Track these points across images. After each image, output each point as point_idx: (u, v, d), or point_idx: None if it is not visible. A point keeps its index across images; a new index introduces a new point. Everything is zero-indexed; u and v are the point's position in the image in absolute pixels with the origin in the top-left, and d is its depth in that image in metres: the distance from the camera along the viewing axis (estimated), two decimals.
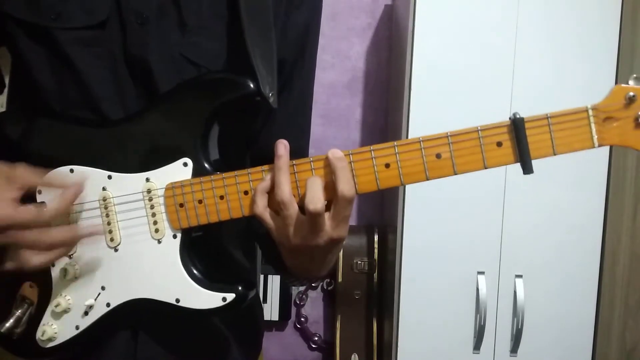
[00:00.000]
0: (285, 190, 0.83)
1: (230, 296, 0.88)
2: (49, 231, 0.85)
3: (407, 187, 2.15)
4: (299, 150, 1.06)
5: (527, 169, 0.80)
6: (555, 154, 0.79)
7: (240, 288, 0.89)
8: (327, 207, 0.84)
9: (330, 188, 0.83)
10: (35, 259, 0.85)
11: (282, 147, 0.85)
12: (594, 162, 2.13)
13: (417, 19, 2.13)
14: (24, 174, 0.87)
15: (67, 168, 0.92)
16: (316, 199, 0.81)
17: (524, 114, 0.80)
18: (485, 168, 0.82)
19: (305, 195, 0.82)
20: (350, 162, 0.84)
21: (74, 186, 0.88)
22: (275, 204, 0.85)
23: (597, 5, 2.10)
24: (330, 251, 0.89)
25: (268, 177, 0.86)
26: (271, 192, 0.85)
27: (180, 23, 0.94)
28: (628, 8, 2.09)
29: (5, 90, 1.04)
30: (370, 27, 2.85)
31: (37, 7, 0.91)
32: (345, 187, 0.82)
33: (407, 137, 2.14)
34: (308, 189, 0.82)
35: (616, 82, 2.00)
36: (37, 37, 0.92)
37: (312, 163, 0.85)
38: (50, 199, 0.90)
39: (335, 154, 0.83)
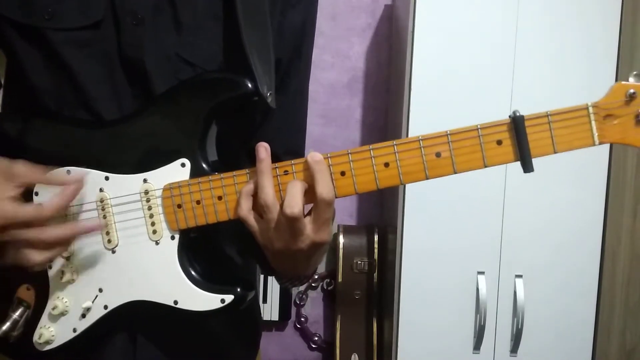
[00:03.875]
0: (269, 194, 0.83)
1: (229, 297, 0.88)
2: (49, 229, 0.85)
3: (407, 187, 2.15)
4: (295, 149, 1.06)
5: (528, 168, 0.79)
6: (555, 152, 0.79)
7: (239, 289, 0.89)
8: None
9: (312, 192, 0.83)
10: (34, 257, 0.84)
11: (263, 150, 0.84)
12: (594, 162, 2.13)
13: (417, 19, 2.13)
14: (24, 171, 0.87)
15: (64, 169, 0.91)
16: (293, 203, 0.81)
17: (524, 113, 0.80)
18: (485, 167, 0.81)
19: (284, 200, 0.82)
20: (349, 162, 0.83)
21: (73, 184, 0.88)
22: (259, 207, 0.85)
23: (597, 5, 2.10)
24: (314, 255, 0.89)
25: (252, 180, 0.85)
26: (255, 195, 0.85)
27: (176, 23, 0.93)
28: (628, 8, 2.09)
29: (1, 92, 1.04)
30: (370, 27, 2.84)
31: (31, 8, 0.90)
32: (324, 190, 0.82)
33: (407, 137, 2.14)
34: (287, 193, 0.82)
35: (616, 82, 2.00)
36: (31, 38, 0.91)
37: (293, 166, 0.85)
38: (48, 199, 0.89)
39: (314, 157, 0.83)
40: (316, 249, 0.86)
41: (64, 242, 0.88)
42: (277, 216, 0.83)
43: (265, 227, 0.85)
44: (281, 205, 0.83)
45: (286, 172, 0.85)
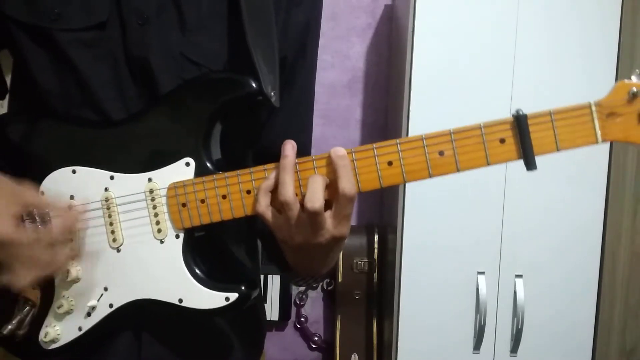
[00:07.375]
0: (289, 190, 0.83)
1: (234, 296, 0.88)
2: (43, 249, 0.85)
3: (407, 186, 2.16)
4: (301, 148, 1.06)
5: (531, 166, 0.80)
6: (558, 150, 0.79)
7: (243, 288, 0.89)
8: (330, 206, 0.84)
9: (333, 186, 0.83)
10: (27, 274, 0.84)
11: (290, 147, 0.85)
12: (594, 162, 2.13)
13: (417, 19, 2.13)
14: (29, 193, 0.87)
15: (69, 168, 0.92)
16: (315, 198, 0.81)
17: (524, 112, 0.80)
18: (489, 165, 0.81)
19: (305, 194, 0.82)
20: (352, 160, 0.84)
21: (77, 212, 0.89)
22: (278, 203, 0.85)
23: (597, 5, 2.10)
24: (332, 249, 0.89)
25: (272, 176, 0.86)
26: (274, 191, 0.85)
27: (181, 22, 0.94)
28: (628, 8, 2.09)
29: (7, 94, 1.04)
30: (370, 27, 2.85)
31: (37, 9, 0.91)
32: (347, 185, 0.82)
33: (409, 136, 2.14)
34: (308, 187, 0.83)
35: (618, 80, 2.00)
36: (37, 38, 0.92)
37: (314, 162, 0.85)
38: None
39: (338, 152, 0.83)
40: (335, 243, 0.87)
41: (57, 263, 0.87)
42: (296, 212, 0.83)
43: (284, 223, 0.85)
44: (301, 200, 0.83)
45: (304, 169, 0.85)
